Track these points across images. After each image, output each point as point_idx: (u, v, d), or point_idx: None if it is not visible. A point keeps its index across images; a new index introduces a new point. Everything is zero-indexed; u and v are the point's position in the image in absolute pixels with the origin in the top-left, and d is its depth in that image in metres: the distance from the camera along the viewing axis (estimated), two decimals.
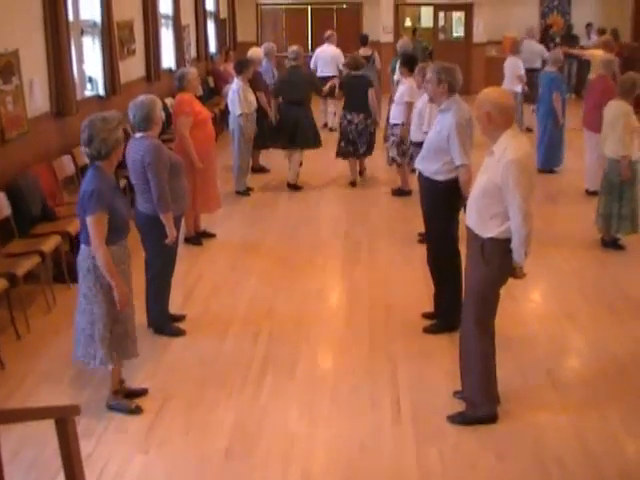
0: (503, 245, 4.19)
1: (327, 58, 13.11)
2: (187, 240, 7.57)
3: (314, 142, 9.90)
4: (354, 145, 9.71)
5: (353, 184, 10.03)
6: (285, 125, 9.71)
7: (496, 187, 4.13)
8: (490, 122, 4.18)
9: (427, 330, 5.67)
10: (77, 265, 4.47)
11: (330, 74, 12.48)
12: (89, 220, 4.26)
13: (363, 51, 12.57)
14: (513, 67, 11.47)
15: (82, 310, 4.47)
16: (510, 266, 4.26)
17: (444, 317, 5.64)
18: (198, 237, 7.73)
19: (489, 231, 4.22)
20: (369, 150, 9.90)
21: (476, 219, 4.31)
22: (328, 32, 13.72)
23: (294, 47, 10.21)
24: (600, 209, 7.43)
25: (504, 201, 4.12)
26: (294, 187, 9.83)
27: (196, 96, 7.49)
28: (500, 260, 4.24)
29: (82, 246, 4.42)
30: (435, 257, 5.72)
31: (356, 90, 9.59)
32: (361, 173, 10.37)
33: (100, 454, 4.24)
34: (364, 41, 13.15)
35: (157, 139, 5.39)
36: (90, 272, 4.36)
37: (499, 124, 4.17)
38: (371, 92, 9.57)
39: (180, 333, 5.66)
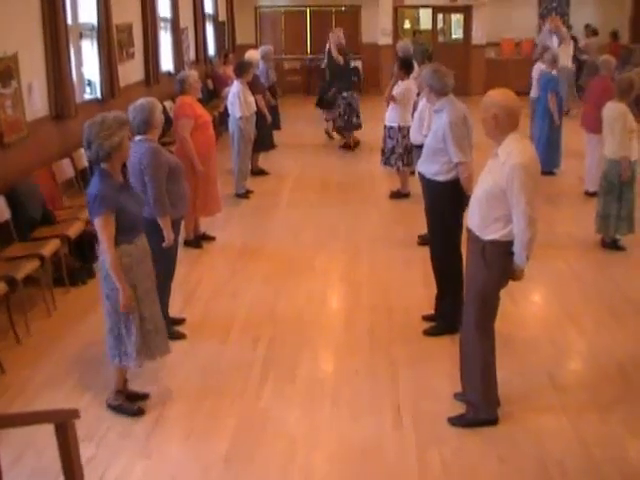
0: (504, 247, 4.18)
1: None
2: (187, 243, 7.57)
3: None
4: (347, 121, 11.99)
5: (347, 146, 12.26)
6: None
7: (500, 190, 4.12)
8: (497, 124, 4.16)
9: (427, 332, 5.66)
10: (98, 266, 4.50)
11: None
12: (96, 223, 4.31)
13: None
14: (535, 73, 11.24)
15: (107, 312, 4.51)
16: (510, 269, 4.26)
17: (445, 319, 5.63)
18: (198, 240, 7.72)
19: (491, 233, 4.21)
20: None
21: (479, 221, 4.30)
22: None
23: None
24: (599, 210, 7.44)
25: (508, 204, 4.12)
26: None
27: (196, 99, 7.49)
28: (501, 263, 4.23)
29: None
30: (437, 259, 5.72)
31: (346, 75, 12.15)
32: (357, 144, 12.34)
33: (101, 458, 4.24)
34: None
35: (156, 142, 5.38)
36: (110, 274, 4.38)
37: (505, 126, 4.16)
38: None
39: (180, 336, 5.65)
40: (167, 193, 5.29)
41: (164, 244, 5.31)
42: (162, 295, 5.60)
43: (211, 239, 7.89)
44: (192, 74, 7.42)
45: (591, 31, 16.26)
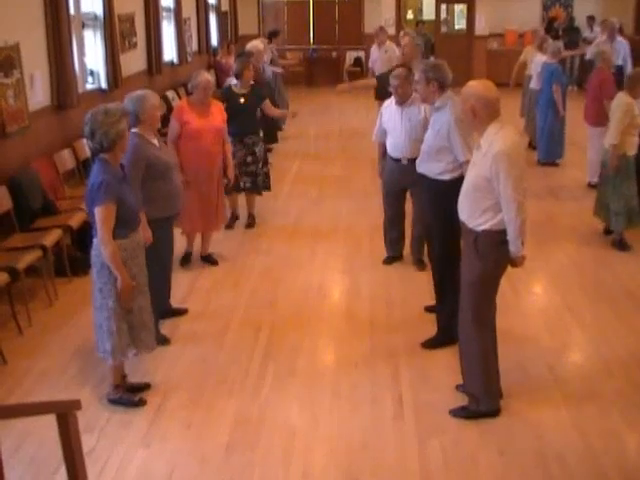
0: (496, 237, 4.19)
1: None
2: (203, 258, 7.07)
3: None
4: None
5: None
6: None
7: (485, 180, 4.14)
8: (475, 116, 4.19)
9: (425, 345, 5.38)
10: (91, 260, 4.44)
11: None
12: (97, 211, 4.23)
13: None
14: (536, 65, 11.08)
15: (98, 306, 4.45)
16: (505, 258, 4.26)
17: (444, 330, 5.35)
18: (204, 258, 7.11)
19: (482, 224, 4.22)
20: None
21: (468, 213, 4.31)
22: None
23: None
24: (597, 196, 7.43)
25: (495, 193, 4.12)
26: None
27: (200, 103, 6.48)
28: (494, 253, 4.23)
29: (95, 240, 4.38)
30: (438, 261, 5.48)
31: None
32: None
33: (102, 449, 4.25)
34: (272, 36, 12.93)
35: (141, 136, 5.15)
36: (105, 267, 4.34)
37: (484, 118, 4.17)
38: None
39: (165, 342, 5.43)
40: (153, 191, 5.14)
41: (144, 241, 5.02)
42: (158, 289, 5.48)
43: (214, 263, 7.07)
44: (203, 74, 6.48)
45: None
